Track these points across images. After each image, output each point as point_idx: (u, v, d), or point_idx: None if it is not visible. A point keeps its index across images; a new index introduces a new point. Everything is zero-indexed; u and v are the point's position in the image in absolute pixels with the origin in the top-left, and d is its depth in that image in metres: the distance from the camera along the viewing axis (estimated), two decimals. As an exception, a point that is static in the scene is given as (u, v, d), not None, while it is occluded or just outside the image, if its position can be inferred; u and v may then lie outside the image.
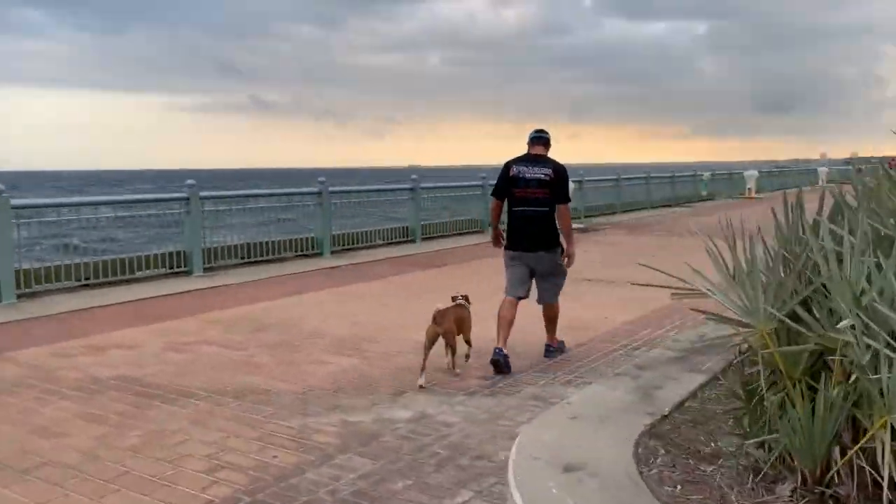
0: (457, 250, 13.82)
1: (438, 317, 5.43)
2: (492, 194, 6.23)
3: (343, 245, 13.54)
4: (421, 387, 5.29)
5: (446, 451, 4.17)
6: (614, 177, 22.53)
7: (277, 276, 10.85)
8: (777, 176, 39.32)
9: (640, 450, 3.23)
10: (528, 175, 5.87)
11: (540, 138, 6.06)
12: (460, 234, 16.19)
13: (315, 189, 13.11)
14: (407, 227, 14.84)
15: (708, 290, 3.26)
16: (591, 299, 8.76)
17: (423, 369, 5.37)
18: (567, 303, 6.81)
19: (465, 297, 5.96)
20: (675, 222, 20.01)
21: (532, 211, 5.84)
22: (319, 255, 12.84)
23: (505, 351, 5.62)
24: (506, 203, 6.07)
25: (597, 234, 16.55)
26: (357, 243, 13.88)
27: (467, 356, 5.88)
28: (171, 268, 10.70)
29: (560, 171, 5.92)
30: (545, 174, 5.84)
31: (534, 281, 6.06)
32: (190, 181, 10.96)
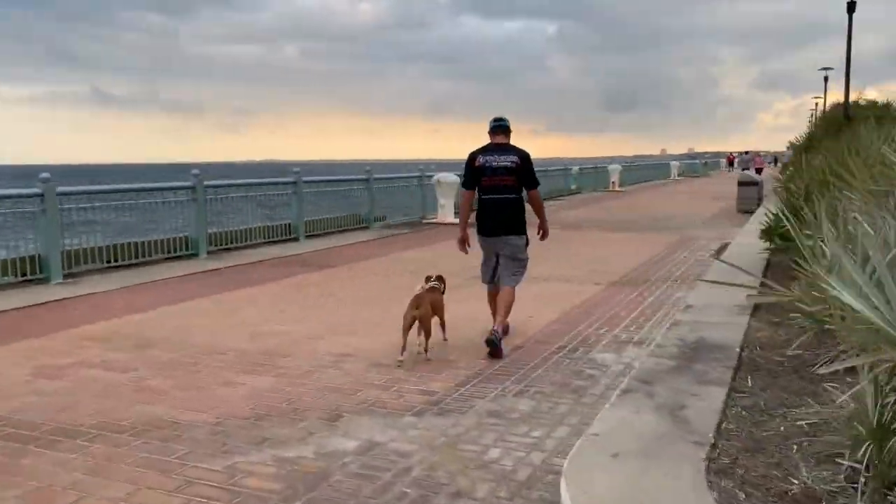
0: (344, 249, 13.04)
1: (415, 301, 5.51)
2: (462, 185, 6.47)
3: (220, 245, 12.43)
4: (400, 362, 5.49)
5: (415, 489, 3.54)
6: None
7: (151, 281, 9.66)
8: (636, 170, 41.11)
9: (718, 496, 2.61)
10: (494, 164, 6.04)
11: (501, 126, 6.20)
12: (344, 232, 15.41)
13: (189, 183, 11.94)
14: (290, 225, 13.88)
15: (835, 291, 2.59)
16: (507, 297, 8.34)
17: (403, 348, 5.50)
18: (487, 305, 6.42)
19: (440, 278, 6.08)
20: (555, 214, 20.18)
21: (502, 198, 6.06)
22: (195, 256, 11.69)
23: (496, 328, 5.86)
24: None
25: (485, 228, 16.26)
26: (235, 242, 12.80)
27: (445, 339, 6.10)
28: (24, 275, 9.26)
29: (525, 158, 6.13)
30: (512, 161, 6.05)
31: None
32: (44, 174, 9.54)
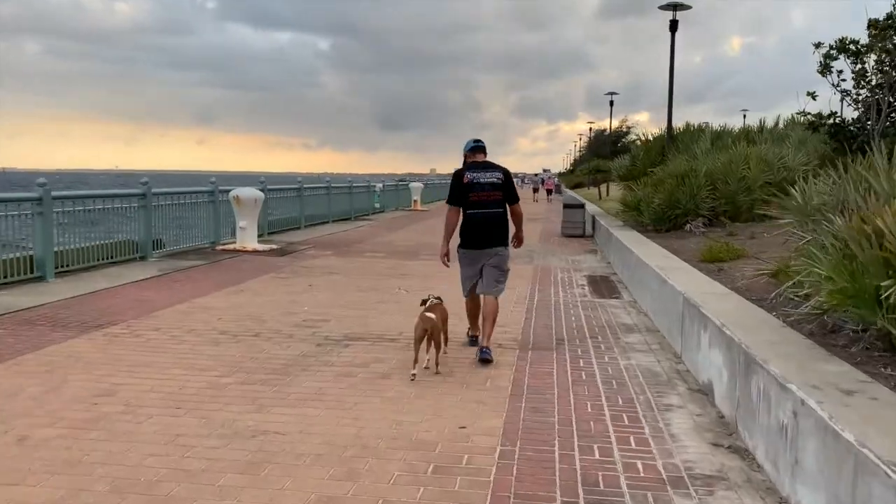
0: (111, 295, 9.35)
1: (427, 315, 5.63)
2: (448, 203, 6.45)
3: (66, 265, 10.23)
4: (413, 375, 5.53)
5: None
6: (296, 186, 19.26)
7: None
8: (431, 188, 39.67)
9: None
10: (482, 180, 6.26)
11: (480, 147, 6.47)
12: (113, 264, 11.47)
13: (35, 195, 9.77)
14: (31, 259, 9.80)
15: None
16: (421, 396, 5.54)
17: (416, 361, 5.57)
18: (376, 403, 3.72)
19: (439, 299, 6.05)
20: (375, 238, 17.55)
21: (491, 212, 6.25)
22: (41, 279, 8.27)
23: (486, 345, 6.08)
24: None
25: (303, 260, 13.12)
26: (79, 263, 10.62)
27: (445, 351, 5.99)
28: None
29: (508, 174, 6.41)
30: (497, 178, 6.29)
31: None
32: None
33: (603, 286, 10.69)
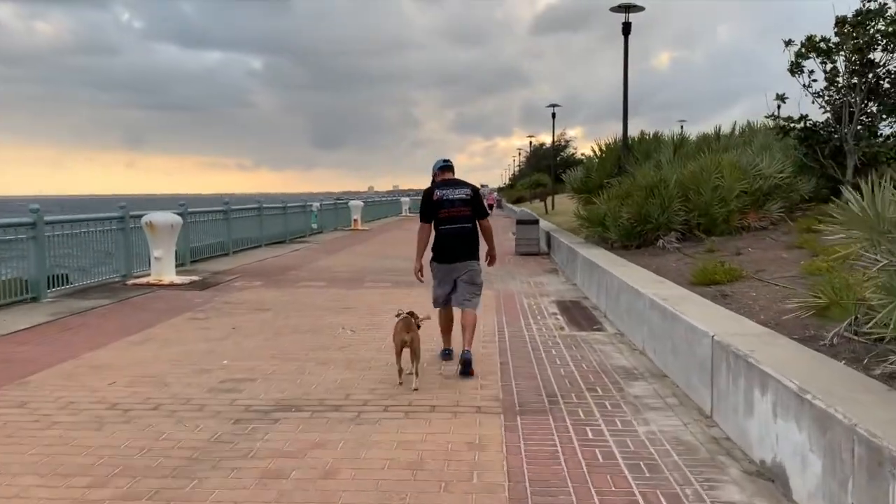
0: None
1: (405, 325, 5.83)
2: (421, 219, 6.67)
3: None
4: (400, 383, 5.75)
5: None
6: (222, 208, 17.40)
7: None
8: (372, 206, 38.02)
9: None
10: (452, 196, 6.50)
11: (448, 166, 6.77)
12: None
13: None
14: (25, 281, 7.81)
15: None
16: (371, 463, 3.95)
17: (400, 371, 5.84)
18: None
19: (410, 314, 6.01)
20: (313, 263, 15.83)
21: (460, 227, 6.51)
22: None
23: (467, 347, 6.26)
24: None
25: (228, 293, 11.33)
26: None
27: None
28: None
29: (476, 191, 6.72)
30: (466, 194, 6.55)
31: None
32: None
33: (578, 314, 9.30)
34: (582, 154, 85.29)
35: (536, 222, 17.74)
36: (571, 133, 67.35)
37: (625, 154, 17.26)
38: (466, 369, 6.09)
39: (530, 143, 67.51)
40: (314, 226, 25.11)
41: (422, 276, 6.64)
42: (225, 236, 17.34)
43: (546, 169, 79.51)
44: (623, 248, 12.29)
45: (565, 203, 39.53)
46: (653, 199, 12.04)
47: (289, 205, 22.61)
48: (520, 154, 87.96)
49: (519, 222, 17.74)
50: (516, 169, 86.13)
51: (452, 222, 6.44)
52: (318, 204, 25.31)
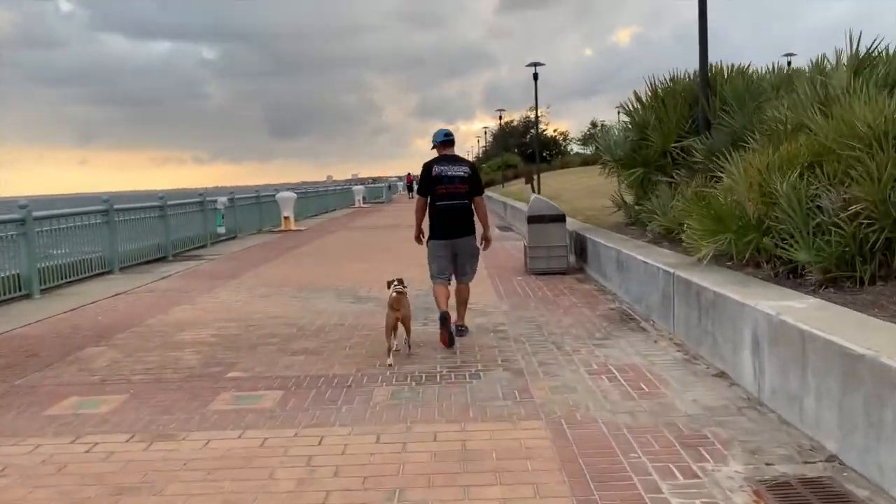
0: None
1: (395, 303, 5.84)
2: (418, 193, 6.92)
3: None
4: (390, 365, 5.68)
5: None
6: (17, 216, 9.92)
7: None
8: (314, 198, 30.44)
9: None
10: (450, 173, 6.62)
11: (450, 140, 6.84)
12: None
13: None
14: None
15: None
16: None
17: (389, 350, 5.83)
18: None
19: (400, 281, 6.06)
20: (154, 320, 8.39)
21: (457, 203, 6.61)
22: None
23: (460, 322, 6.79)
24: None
25: None
26: None
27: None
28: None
29: (474, 168, 6.87)
30: (464, 171, 6.67)
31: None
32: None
33: None
34: (555, 131, 78.40)
35: (562, 219, 10.55)
36: (544, 111, 60.19)
37: (706, 100, 10.23)
38: (458, 334, 6.52)
39: (500, 116, 60.29)
40: (220, 230, 17.60)
41: (423, 238, 6.85)
42: (23, 265, 9.88)
43: (517, 147, 72.61)
44: (827, 282, 5.21)
45: (553, 183, 32.55)
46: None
47: (172, 202, 15.05)
48: (486, 133, 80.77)
49: (532, 220, 10.53)
50: (481, 150, 78.91)
51: (449, 198, 6.57)
52: (224, 199, 17.71)
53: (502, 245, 15.13)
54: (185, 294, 9.95)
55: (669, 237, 8.88)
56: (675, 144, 10.66)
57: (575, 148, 74.36)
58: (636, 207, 11.05)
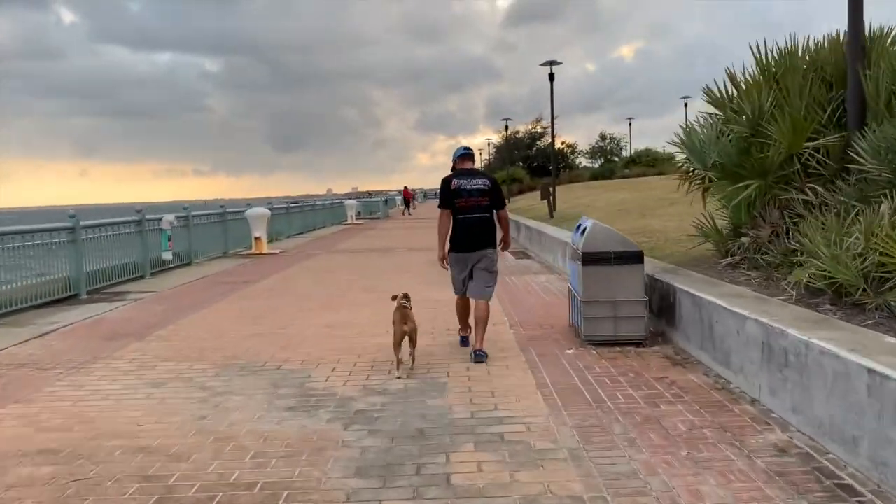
0: None
1: (403, 318, 5.95)
2: (438, 206, 6.71)
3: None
4: (399, 377, 5.75)
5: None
6: None
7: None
8: (299, 213, 26.64)
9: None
10: (469, 186, 6.49)
11: (469, 154, 6.80)
12: None
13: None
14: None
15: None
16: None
17: (399, 363, 5.91)
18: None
19: (406, 296, 6.17)
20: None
21: (477, 217, 6.49)
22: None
23: (479, 347, 6.36)
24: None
25: None
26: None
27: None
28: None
29: (494, 181, 6.67)
30: (484, 184, 6.53)
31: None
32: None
33: None
34: (563, 143, 74.02)
35: (638, 259, 6.80)
36: (547, 123, 56.01)
37: (863, 74, 6.60)
38: (477, 360, 6.25)
39: (506, 127, 56.46)
40: (166, 256, 13.84)
41: (447, 263, 6.64)
42: None
43: (521, 160, 68.86)
44: None
45: (570, 198, 28.80)
46: None
47: (89, 223, 11.32)
48: (489, 145, 77.08)
49: (590, 259, 6.77)
50: (484, 163, 75.10)
51: (469, 212, 6.48)
52: (171, 217, 13.93)
53: (524, 282, 11.41)
54: (39, 375, 6.21)
55: (839, 294, 5.19)
56: (810, 143, 6.99)
57: (583, 161, 70.78)
58: (742, 239, 7.33)
